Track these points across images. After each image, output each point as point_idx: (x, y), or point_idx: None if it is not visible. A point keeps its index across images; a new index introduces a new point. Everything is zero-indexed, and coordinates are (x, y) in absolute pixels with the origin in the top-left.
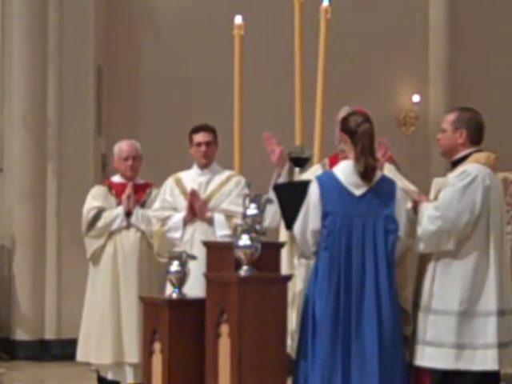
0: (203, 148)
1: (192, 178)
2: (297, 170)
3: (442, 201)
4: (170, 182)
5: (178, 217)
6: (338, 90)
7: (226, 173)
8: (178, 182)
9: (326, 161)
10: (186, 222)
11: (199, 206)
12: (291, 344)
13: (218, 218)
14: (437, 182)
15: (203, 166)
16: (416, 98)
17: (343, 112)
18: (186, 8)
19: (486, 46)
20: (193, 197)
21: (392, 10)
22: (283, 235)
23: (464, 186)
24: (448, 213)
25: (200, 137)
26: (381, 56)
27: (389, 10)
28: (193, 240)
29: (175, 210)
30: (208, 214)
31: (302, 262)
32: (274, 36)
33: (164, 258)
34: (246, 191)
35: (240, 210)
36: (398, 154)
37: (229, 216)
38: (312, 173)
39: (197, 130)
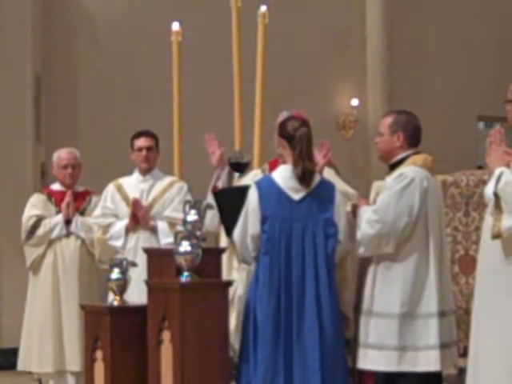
0: (144, 153)
1: (133, 184)
2: (236, 174)
3: (380, 204)
4: (110, 189)
5: (121, 225)
6: (276, 94)
7: (168, 179)
8: (119, 188)
9: (266, 166)
10: (129, 230)
11: (142, 215)
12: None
13: (162, 226)
14: (376, 185)
15: (144, 172)
16: (355, 102)
17: (281, 117)
18: (122, 15)
19: (423, 51)
20: (135, 206)
21: (330, 15)
22: (224, 240)
23: (401, 188)
24: (386, 216)
25: (141, 142)
26: (319, 60)
27: (327, 15)
28: (136, 248)
29: (116, 216)
30: (151, 223)
31: (243, 266)
32: (213, 40)
33: (106, 264)
34: (189, 198)
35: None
36: (337, 158)
37: (172, 223)
38: (252, 178)
39: (138, 135)
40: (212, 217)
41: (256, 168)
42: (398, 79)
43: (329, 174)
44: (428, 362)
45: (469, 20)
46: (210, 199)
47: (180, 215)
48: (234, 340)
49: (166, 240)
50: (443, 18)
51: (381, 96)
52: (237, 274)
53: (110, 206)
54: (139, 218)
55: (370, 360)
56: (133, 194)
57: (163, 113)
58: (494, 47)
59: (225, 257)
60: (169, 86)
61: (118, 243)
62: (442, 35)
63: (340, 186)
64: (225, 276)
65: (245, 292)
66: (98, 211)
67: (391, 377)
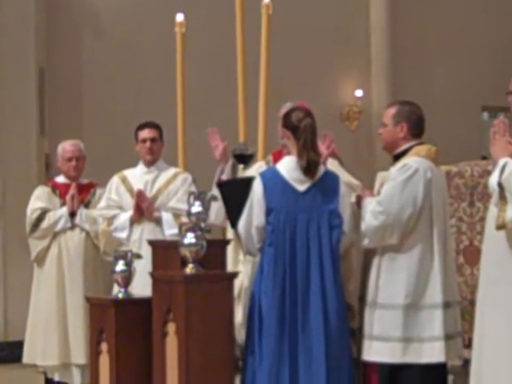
0: (148, 144)
1: (138, 175)
2: (241, 166)
3: (384, 195)
4: (115, 180)
5: (125, 216)
6: (280, 86)
7: (173, 170)
8: (124, 180)
9: (270, 157)
10: (133, 221)
11: (146, 207)
12: (238, 339)
13: (166, 217)
14: (381, 175)
15: (149, 163)
16: (359, 93)
17: (285, 108)
18: (127, 7)
19: (427, 42)
20: (139, 197)
21: (334, 6)
22: (230, 234)
23: (405, 179)
24: (390, 207)
25: (145, 133)
26: (323, 51)
27: (331, 6)
28: (141, 240)
29: (121, 208)
30: (155, 214)
31: (248, 258)
32: (216, 32)
33: (111, 256)
34: (193, 189)
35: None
36: (341, 149)
37: (177, 215)
38: (256, 169)
39: (142, 126)
40: (217, 211)
41: (260, 160)
42: (402, 70)
43: (333, 165)
44: (432, 353)
45: (472, 11)
46: (215, 193)
47: (184, 206)
48: (241, 333)
49: (170, 231)
50: (446, 9)
51: (385, 87)
52: (242, 267)
53: (114, 197)
54: (143, 209)
55: (374, 352)
56: (137, 185)
57: (167, 105)
58: (497, 37)
59: (230, 250)
60: (173, 78)
61: (123, 235)
62: (446, 26)
63: (344, 177)
64: (231, 268)
65: (250, 284)
66: (102, 203)
67: (396, 368)
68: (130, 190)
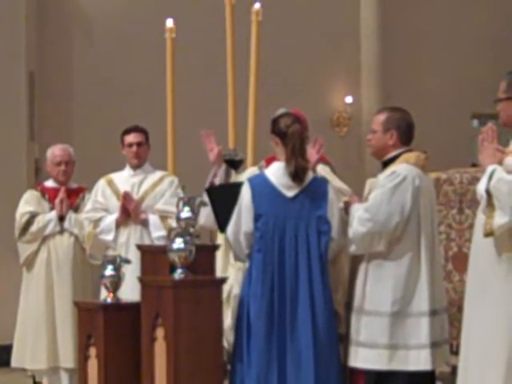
0: (134, 148)
1: (124, 178)
2: (234, 172)
3: (371, 203)
4: (101, 183)
5: (111, 219)
6: (270, 91)
7: (159, 173)
8: (110, 183)
9: (263, 163)
10: (119, 223)
11: (133, 208)
12: (226, 344)
13: (153, 219)
14: (370, 182)
15: (135, 167)
16: (349, 99)
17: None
18: (117, 12)
19: (417, 48)
20: (126, 199)
21: (324, 12)
22: (221, 237)
23: (393, 186)
24: (378, 215)
25: (131, 137)
26: (313, 57)
27: (321, 12)
28: (128, 243)
29: (107, 211)
30: (142, 216)
31: (239, 265)
32: (206, 38)
33: (97, 259)
34: (180, 191)
35: (175, 209)
36: (331, 155)
37: (163, 217)
38: (249, 175)
39: (128, 131)
40: (208, 213)
41: (250, 165)
42: (392, 76)
43: (324, 171)
44: (419, 361)
45: (463, 17)
46: (204, 198)
47: (171, 208)
48: (229, 338)
49: (157, 233)
50: (437, 15)
51: (375, 93)
52: (232, 270)
53: (100, 200)
54: (130, 211)
55: (360, 358)
56: (124, 188)
57: (157, 110)
58: (488, 44)
59: (220, 254)
60: (163, 84)
61: (109, 237)
62: (436, 33)
63: (335, 183)
64: (221, 272)
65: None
66: (88, 206)
67: (382, 375)
68: (116, 192)
